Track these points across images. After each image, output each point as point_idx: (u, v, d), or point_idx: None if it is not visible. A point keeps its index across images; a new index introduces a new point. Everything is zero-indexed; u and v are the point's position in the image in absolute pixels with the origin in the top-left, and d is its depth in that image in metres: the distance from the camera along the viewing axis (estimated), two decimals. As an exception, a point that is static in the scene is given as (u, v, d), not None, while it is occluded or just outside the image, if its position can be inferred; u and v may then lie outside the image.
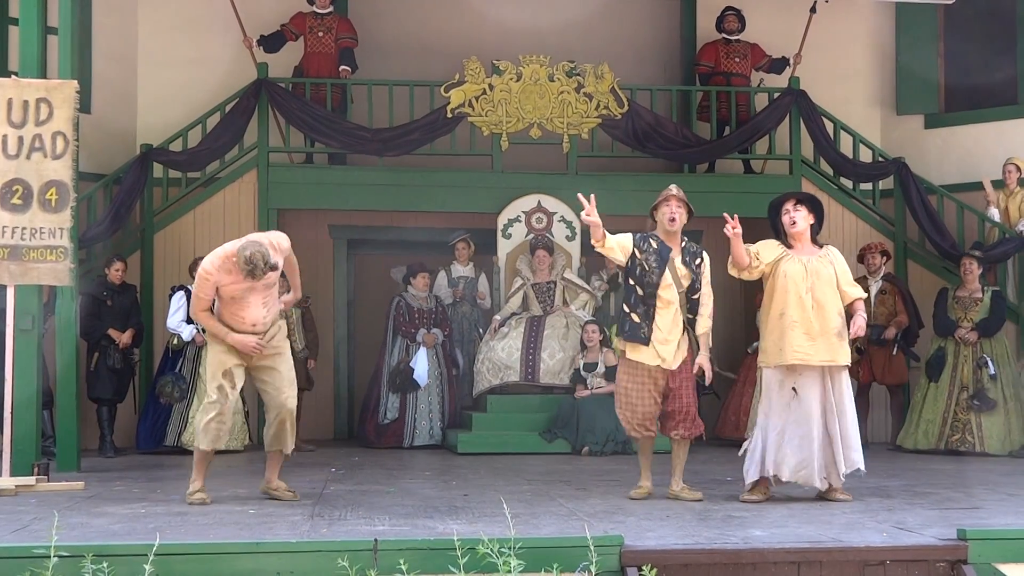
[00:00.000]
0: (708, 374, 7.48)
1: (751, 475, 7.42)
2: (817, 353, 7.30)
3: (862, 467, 7.45)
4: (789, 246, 7.52)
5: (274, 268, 7.23)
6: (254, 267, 7.06)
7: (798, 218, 7.48)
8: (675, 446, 7.60)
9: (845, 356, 7.39)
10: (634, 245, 7.48)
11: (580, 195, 7.33)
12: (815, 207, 7.59)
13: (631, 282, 7.49)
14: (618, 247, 7.47)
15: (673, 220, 7.44)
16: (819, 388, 7.35)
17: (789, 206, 7.52)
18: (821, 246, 7.60)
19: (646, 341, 7.38)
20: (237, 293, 7.29)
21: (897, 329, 11.45)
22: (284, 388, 7.48)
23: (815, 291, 7.36)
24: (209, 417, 7.33)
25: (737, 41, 12.97)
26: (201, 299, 7.36)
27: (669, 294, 7.41)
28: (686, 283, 7.44)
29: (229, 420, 7.43)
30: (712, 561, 5.49)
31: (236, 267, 7.15)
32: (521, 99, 12.22)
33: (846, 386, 7.46)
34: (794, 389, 7.33)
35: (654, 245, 7.46)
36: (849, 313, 7.51)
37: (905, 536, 5.91)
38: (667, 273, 7.41)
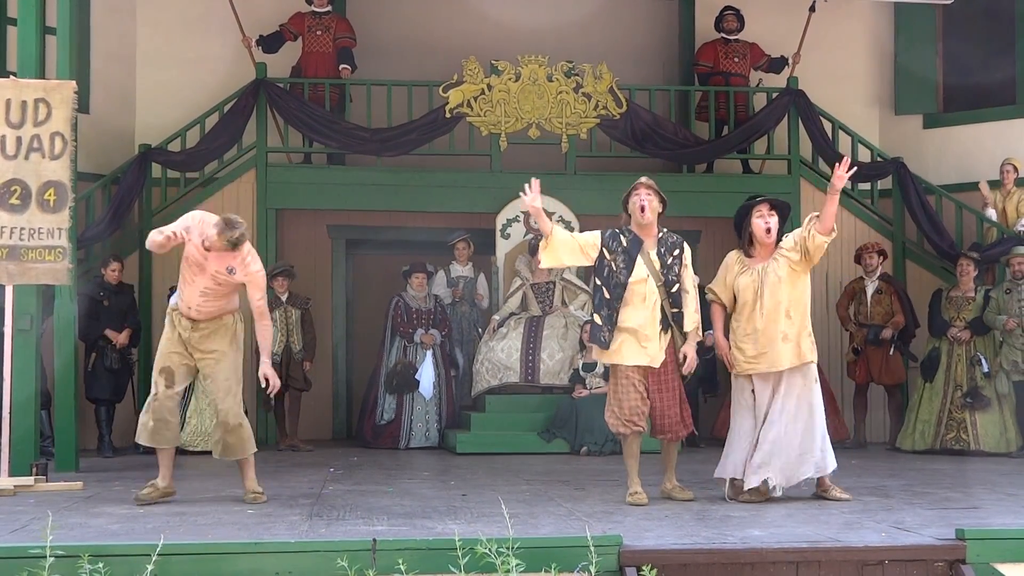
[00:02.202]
0: (691, 362, 7.30)
1: (726, 472, 7.41)
2: (762, 362, 7.32)
3: (829, 469, 7.40)
4: (749, 253, 7.47)
5: (237, 244, 7.03)
6: (232, 228, 6.98)
7: (772, 224, 7.38)
8: (664, 445, 7.56)
9: (788, 359, 7.26)
10: (603, 244, 7.29)
11: (526, 185, 7.04)
12: (784, 212, 7.51)
13: (597, 282, 7.33)
14: (576, 248, 7.25)
15: (643, 209, 7.23)
16: (778, 392, 7.34)
17: (764, 210, 7.39)
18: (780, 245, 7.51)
19: (605, 345, 7.22)
20: (192, 259, 7.16)
21: (894, 329, 11.46)
22: (220, 397, 7.30)
23: (764, 298, 7.32)
24: (144, 415, 7.28)
25: (736, 41, 12.98)
26: (174, 231, 7.10)
27: (645, 288, 7.24)
28: (664, 276, 7.26)
29: (171, 418, 7.28)
30: (711, 561, 5.49)
31: (209, 233, 7.04)
32: (520, 99, 12.22)
33: (803, 387, 7.34)
34: (753, 393, 7.40)
35: (624, 243, 7.28)
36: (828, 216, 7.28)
37: (903, 536, 5.91)
38: (640, 267, 7.23)
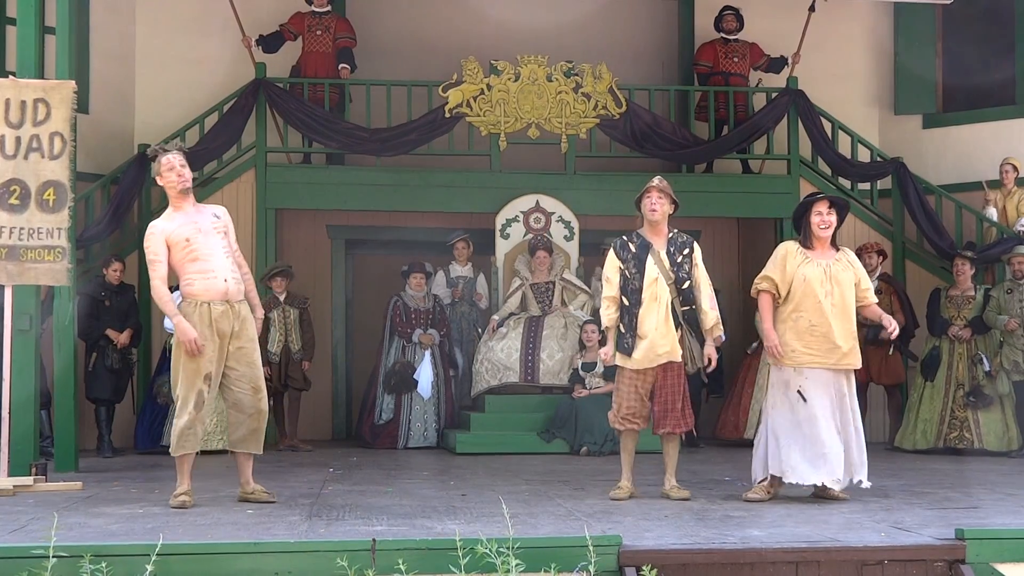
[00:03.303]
0: (713, 362, 7.46)
1: (758, 474, 7.45)
2: (834, 358, 7.32)
3: (865, 480, 7.42)
4: (807, 246, 7.50)
5: (179, 152, 7.23)
6: (162, 151, 7.20)
7: (831, 222, 7.48)
8: (665, 443, 7.60)
9: (858, 359, 7.45)
10: (618, 259, 7.47)
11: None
12: (842, 212, 7.60)
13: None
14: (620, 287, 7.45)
15: (654, 210, 7.44)
16: (829, 390, 7.36)
17: (823, 208, 7.48)
18: (838, 248, 7.58)
19: (629, 352, 7.37)
20: (191, 235, 7.10)
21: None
22: (259, 385, 7.25)
23: (833, 296, 7.35)
24: (184, 425, 7.03)
25: (735, 40, 12.98)
26: (155, 260, 7.11)
27: (656, 287, 7.36)
28: (674, 274, 7.40)
29: (205, 425, 7.26)
30: (710, 561, 5.49)
31: (173, 213, 7.20)
32: (519, 99, 12.22)
33: (853, 389, 7.50)
34: (800, 392, 7.33)
35: (633, 249, 7.45)
36: (867, 317, 7.72)
37: (903, 536, 5.91)
38: (651, 267, 7.38)
